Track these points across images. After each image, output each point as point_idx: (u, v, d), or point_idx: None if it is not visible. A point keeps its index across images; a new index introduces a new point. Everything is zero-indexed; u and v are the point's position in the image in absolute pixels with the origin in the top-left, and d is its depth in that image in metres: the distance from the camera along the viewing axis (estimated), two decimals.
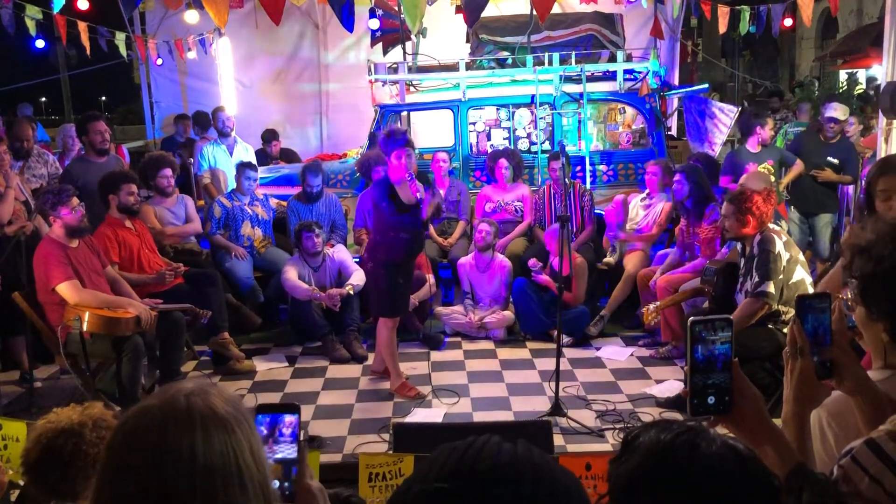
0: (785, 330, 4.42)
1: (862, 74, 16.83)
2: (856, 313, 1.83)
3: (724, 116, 7.42)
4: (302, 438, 1.42)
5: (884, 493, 1.41)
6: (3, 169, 5.39)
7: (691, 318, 1.50)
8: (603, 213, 6.79)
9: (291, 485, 1.39)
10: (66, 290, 4.69)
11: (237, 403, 1.15)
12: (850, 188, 7.19)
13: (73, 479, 2.19)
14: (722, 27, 8.72)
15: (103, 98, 32.92)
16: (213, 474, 1.07)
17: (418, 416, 4.86)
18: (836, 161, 6.93)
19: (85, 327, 4.59)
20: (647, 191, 6.54)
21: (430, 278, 6.15)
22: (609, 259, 6.56)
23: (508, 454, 0.92)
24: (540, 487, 0.89)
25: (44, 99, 31.44)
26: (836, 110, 7.02)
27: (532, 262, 6.08)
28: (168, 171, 6.24)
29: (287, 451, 1.40)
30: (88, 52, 8.87)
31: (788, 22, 9.19)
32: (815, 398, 1.67)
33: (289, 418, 1.41)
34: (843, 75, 17.91)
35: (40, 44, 9.21)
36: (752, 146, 6.84)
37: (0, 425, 3.46)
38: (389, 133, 4.93)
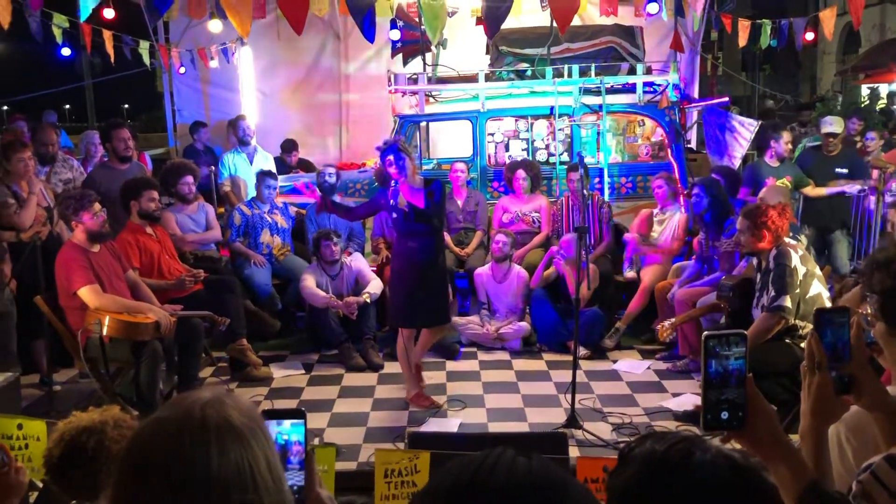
0: (802, 345, 4.38)
1: (884, 89, 16.71)
2: (875, 329, 1.82)
3: (745, 130, 7.40)
4: (311, 446, 1.42)
5: None
6: (27, 175, 5.47)
7: (705, 332, 1.50)
8: (620, 224, 6.79)
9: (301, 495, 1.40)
10: (87, 294, 4.74)
11: (253, 414, 1.15)
12: (870, 201, 7.14)
13: (96, 476, 2.21)
14: (742, 41, 8.70)
15: (126, 106, 33.29)
16: (229, 487, 1.06)
17: (433, 425, 4.86)
18: (845, 171, 6.94)
19: (105, 331, 4.64)
20: (659, 205, 6.54)
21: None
22: (630, 273, 6.54)
23: (523, 469, 0.91)
24: (553, 502, 0.89)
25: (68, 106, 31.84)
26: (833, 124, 7.13)
27: (553, 249, 6.12)
28: (189, 178, 6.30)
29: (296, 478, 1.41)
30: (112, 60, 8.98)
31: (810, 36, 9.13)
32: (833, 413, 1.66)
33: (296, 448, 1.41)
34: (864, 90, 17.79)
35: (66, 52, 9.35)
36: (770, 160, 6.83)
37: (21, 425, 3.50)
38: (382, 144, 5.00)
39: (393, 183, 4.88)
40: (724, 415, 1.48)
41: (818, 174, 6.98)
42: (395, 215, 4.94)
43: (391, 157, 4.81)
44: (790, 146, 6.79)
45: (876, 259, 1.80)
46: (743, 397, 1.48)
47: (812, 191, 6.90)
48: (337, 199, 5.01)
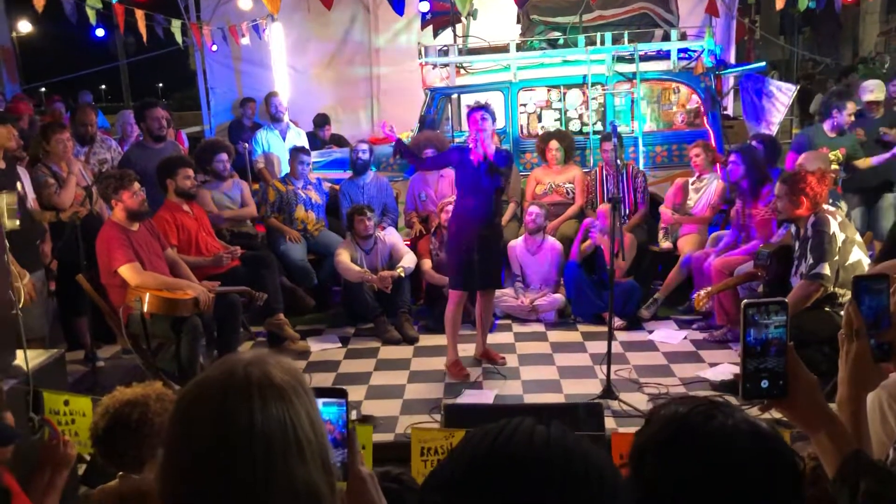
0: (842, 313, 4.32)
1: None
2: None
3: (782, 95, 7.25)
4: (352, 420, 1.43)
5: None
6: (66, 156, 5.57)
7: (745, 301, 1.48)
8: (656, 194, 6.71)
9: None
10: (128, 272, 4.83)
11: (295, 373, 1.18)
12: None
13: (140, 447, 2.27)
14: (780, 3, 8.48)
15: (160, 85, 33.59)
16: (272, 442, 1.10)
17: (469, 397, 4.89)
18: (891, 131, 6.75)
19: (145, 308, 4.73)
20: (697, 173, 6.45)
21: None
22: (665, 244, 6.47)
23: (541, 437, 0.91)
24: (572, 470, 0.88)
25: (103, 87, 32.22)
26: (873, 90, 6.91)
27: (588, 221, 6.17)
28: (224, 156, 6.36)
29: (339, 454, 1.42)
30: (145, 39, 9.05)
31: None
32: (871, 381, 1.64)
33: (328, 427, 1.42)
34: None
35: (100, 32, 9.45)
36: (829, 129, 6.58)
37: (67, 401, 3.60)
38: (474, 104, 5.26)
39: (471, 143, 5.01)
40: (764, 384, 1.46)
41: (869, 136, 6.79)
42: (466, 168, 5.05)
43: (482, 114, 4.99)
44: (852, 118, 6.52)
45: None
46: (783, 366, 1.46)
47: (862, 163, 6.66)
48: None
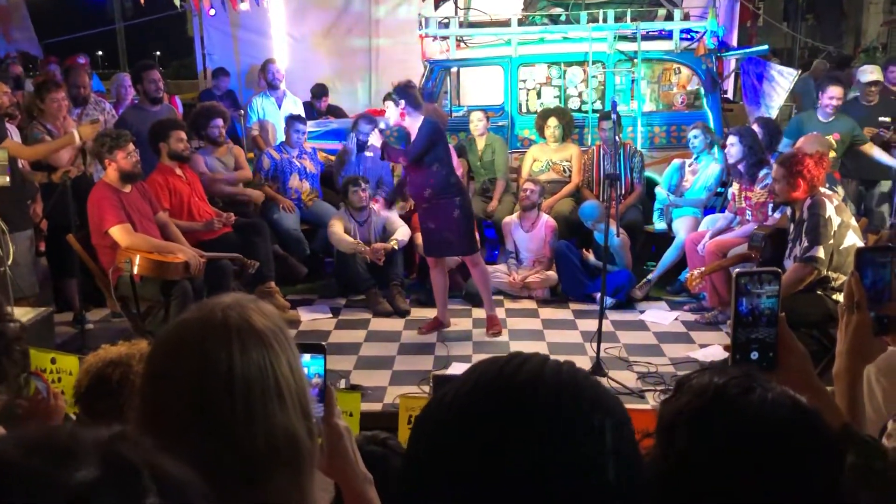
0: (835, 297, 4.32)
1: None
2: None
3: (783, 79, 7.22)
4: (340, 388, 1.42)
5: None
6: (60, 115, 5.51)
7: (737, 270, 1.46)
8: (651, 179, 6.68)
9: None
10: (119, 233, 4.79)
11: (275, 318, 1.16)
12: None
13: (121, 408, 2.25)
14: None
15: (157, 53, 33.29)
16: (251, 385, 1.08)
17: (457, 369, 4.89)
18: (888, 119, 6.71)
19: (135, 270, 4.70)
20: (694, 155, 6.42)
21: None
22: (660, 224, 6.46)
23: (552, 369, 0.87)
24: (580, 402, 0.85)
25: (100, 53, 31.91)
26: (872, 72, 6.84)
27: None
28: (219, 122, 6.30)
29: (315, 409, 1.41)
30: (143, 1, 8.94)
31: None
32: (869, 353, 1.62)
33: (315, 380, 1.40)
34: None
35: None
36: (820, 114, 6.53)
37: (54, 359, 3.58)
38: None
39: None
40: (754, 355, 1.44)
41: (862, 125, 6.75)
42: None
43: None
44: (835, 101, 6.44)
45: None
46: (774, 337, 1.44)
47: (869, 149, 6.59)
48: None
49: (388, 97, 5.25)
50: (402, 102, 5.11)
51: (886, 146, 6.69)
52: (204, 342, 1.09)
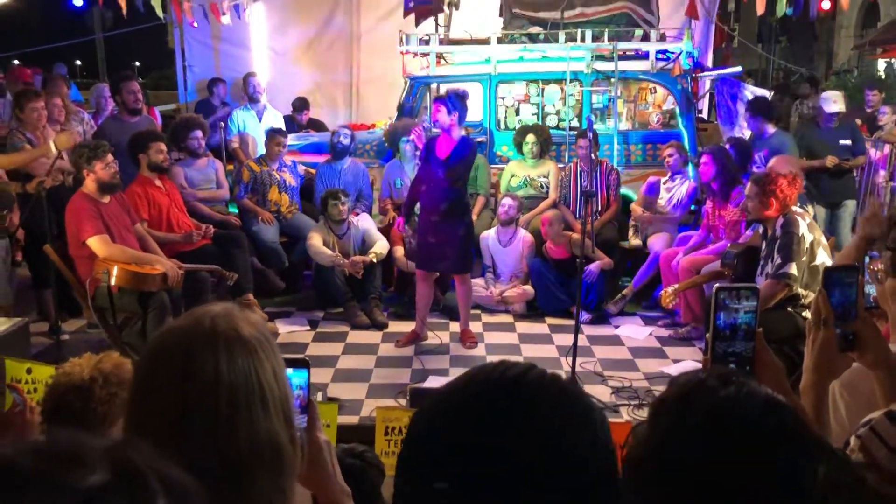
0: (804, 314, 4.40)
1: None
2: (885, 285, 1.84)
3: None
4: (318, 401, 1.45)
5: None
6: (40, 124, 5.50)
7: (717, 284, 1.52)
8: (630, 192, 6.78)
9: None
10: (97, 243, 4.78)
11: (262, 328, 1.20)
12: (879, 175, 7.09)
13: (87, 430, 2.22)
14: (760, 8, 8.60)
15: (137, 63, 33.14)
16: (236, 391, 1.11)
17: (435, 382, 4.91)
18: (848, 143, 6.85)
19: (113, 281, 4.69)
20: (669, 173, 6.53)
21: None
22: (635, 241, 6.55)
23: (539, 372, 0.96)
24: (563, 402, 0.92)
25: (79, 62, 31.71)
26: (836, 102, 6.94)
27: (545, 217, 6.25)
28: (199, 133, 6.31)
29: (298, 420, 1.44)
30: (125, 12, 8.94)
31: (826, 5, 9.03)
32: (835, 369, 1.69)
33: (297, 392, 1.43)
34: (881, 64, 17.58)
35: (78, 2, 9.28)
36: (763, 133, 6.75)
37: (30, 369, 3.56)
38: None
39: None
40: (732, 367, 1.50)
41: (821, 148, 6.88)
42: (422, 156, 5.37)
43: (438, 105, 5.18)
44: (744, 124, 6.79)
45: (893, 216, 1.82)
46: (751, 351, 1.50)
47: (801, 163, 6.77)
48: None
49: (438, 100, 5.24)
50: (455, 112, 5.14)
51: (847, 171, 6.83)
52: (192, 348, 1.12)
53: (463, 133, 5.26)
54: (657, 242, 6.27)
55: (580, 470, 0.90)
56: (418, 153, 5.85)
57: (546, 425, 0.90)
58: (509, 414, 0.90)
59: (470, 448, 0.88)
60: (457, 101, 5.15)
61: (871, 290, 1.90)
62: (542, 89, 7.35)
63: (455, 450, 0.89)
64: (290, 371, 1.43)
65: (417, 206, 5.50)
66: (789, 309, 4.52)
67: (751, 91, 7.39)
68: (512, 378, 0.94)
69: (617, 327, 5.97)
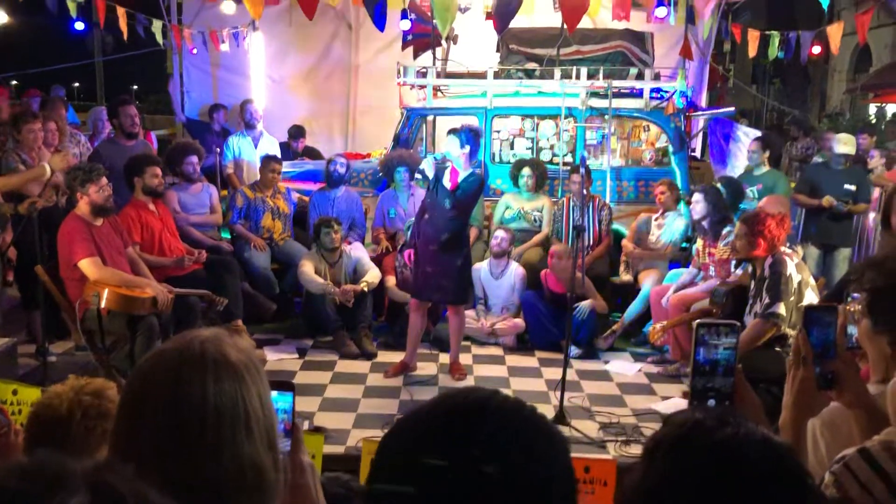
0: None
1: (892, 108, 16.72)
2: (860, 326, 1.86)
3: (749, 140, 7.43)
4: (297, 420, 1.45)
5: (873, 502, 1.45)
6: (36, 146, 5.53)
7: (697, 321, 1.54)
8: (622, 228, 6.82)
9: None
10: (88, 266, 4.78)
11: (250, 353, 1.22)
12: (870, 219, 7.15)
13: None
14: (752, 51, 8.74)
15: (135, 87, 33.33)
16: (223, 416, 1.13)
17: None
18: (853, 188, 6.88)
19: (103, 304, 4.68)
20: (661, 210, 6.58)
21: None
22: (626, 276, 6.57)
23: (502, 398, 1.00)
24: (525, 426, 0.96)
25: (77, 84, 31.87)
26: (846, 144, 7.01)
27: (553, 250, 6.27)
28: (194, 159, 6.34)
29: (282, 444, 1.44)
30: (125, 37, 9.02)
31: (817, 50, 9.17)
32: (813, 407, 1.70)
33: (282, 415, 1.44)
34: (872, 108, 17.82)
35: (80, 26, 9.35)
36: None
37: (16, 391, 3.54)
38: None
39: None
40: (711, 402, 1.51)
41: (826, 189, 6.93)
42: (428, 186, 5.39)
43: (450, 137, 5.23)
44: (755, 156, 6.88)
45: (871, 259, 1.85)
46: (730, 387, 1.52)
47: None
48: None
49: (452, 132, 5.28)
50: (468, 146, 5.18)
51: (845, 215, 6.87)
52: (180, 371, 1.14)
53: (473, 169, 5.30)
54: (648, 279, 6.30)
55: (542, 491, 0.93)
56: (419, 178, 5.90)
57: (509, 447, 0.93)
58: (473, 435, 0.93)
59: (434, 469, 0.91)
60: (470, 136, 5.20)
61: (853, 330, 1.92)
62: (537, 124, 7.42)
63: (419, 470, 0.91)
64: (275, 394, 1.44)
65: (409, 233, 5.52)
66: (777, 349, 4.54)
67: (744, 131, 7.47)
68: (475, 401, 0.98)
69: (606, 363, 5.97)
